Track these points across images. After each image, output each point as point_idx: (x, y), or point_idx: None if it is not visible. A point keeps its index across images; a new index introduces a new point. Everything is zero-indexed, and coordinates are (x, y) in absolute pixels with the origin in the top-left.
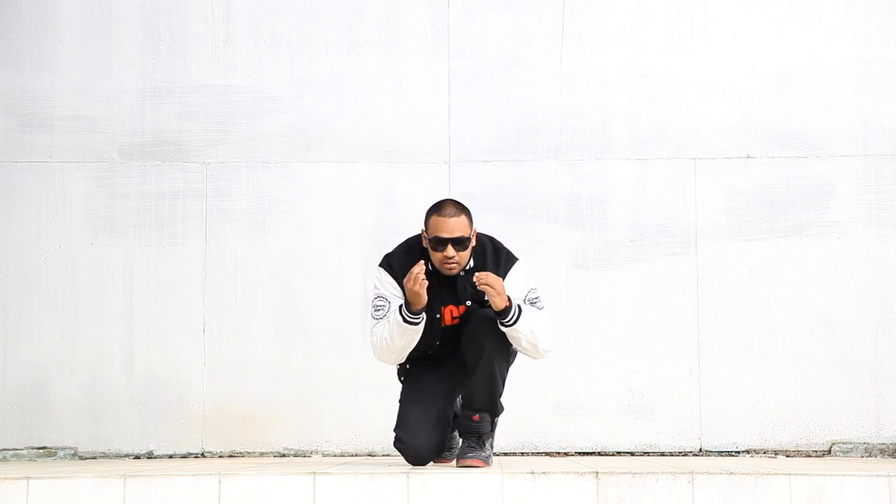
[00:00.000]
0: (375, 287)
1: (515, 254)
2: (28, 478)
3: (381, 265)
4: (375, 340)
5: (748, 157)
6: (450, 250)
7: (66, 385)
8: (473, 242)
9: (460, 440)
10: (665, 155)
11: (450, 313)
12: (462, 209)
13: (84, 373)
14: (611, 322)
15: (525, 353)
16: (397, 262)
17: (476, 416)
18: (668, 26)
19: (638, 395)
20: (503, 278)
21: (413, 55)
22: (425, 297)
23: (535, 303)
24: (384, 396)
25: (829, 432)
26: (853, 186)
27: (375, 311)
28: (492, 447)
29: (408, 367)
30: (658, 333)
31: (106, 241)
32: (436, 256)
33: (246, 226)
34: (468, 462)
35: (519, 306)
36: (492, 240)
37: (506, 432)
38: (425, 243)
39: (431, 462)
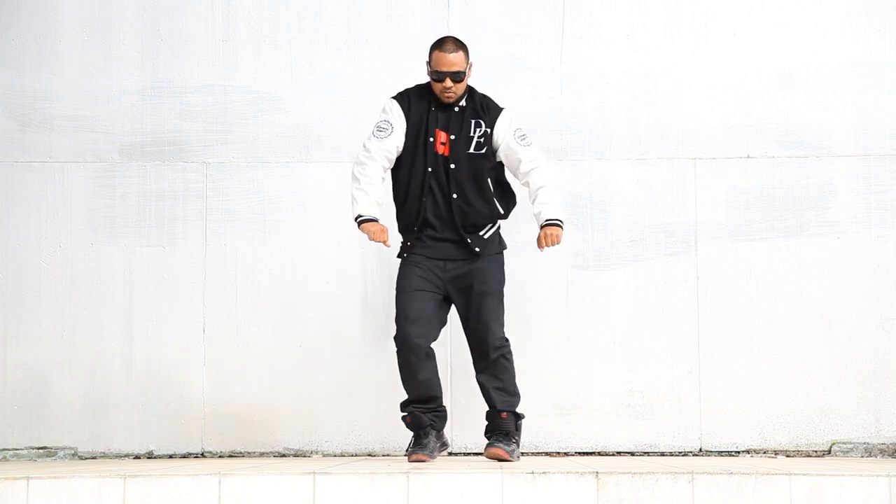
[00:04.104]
0: (384, 111)
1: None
2: (28, 478)
3: (394, 97)
4: (359, 160)
5: (748, 157)
6: (447, 82)
7: (66, 385)
8: (470, 75)
9: (441, 443)
10: (665, 155)
11: (440, 136)
12: (461, 46)
13: (84, 373)
14: (611, 322)
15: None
16: (410, 96)
17: (504, 414)
18: (668, 26)
19: (638, 395)
20: (495, 122)
21: (413, 55)
22: (374, 236)
23: (522, 140)
24: (384, 396)
25: (829, 432)
26: (853, 186)
27: (379, 130)
28: (518, 446)
29: (408, 243)
30: (658, 333)
31: (106, 241)
32: (436, 87)
33: (246, 226)
34: (496, 451)
35: (559, 219)
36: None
37: None
38: (428, 76)
39: (428, 456)
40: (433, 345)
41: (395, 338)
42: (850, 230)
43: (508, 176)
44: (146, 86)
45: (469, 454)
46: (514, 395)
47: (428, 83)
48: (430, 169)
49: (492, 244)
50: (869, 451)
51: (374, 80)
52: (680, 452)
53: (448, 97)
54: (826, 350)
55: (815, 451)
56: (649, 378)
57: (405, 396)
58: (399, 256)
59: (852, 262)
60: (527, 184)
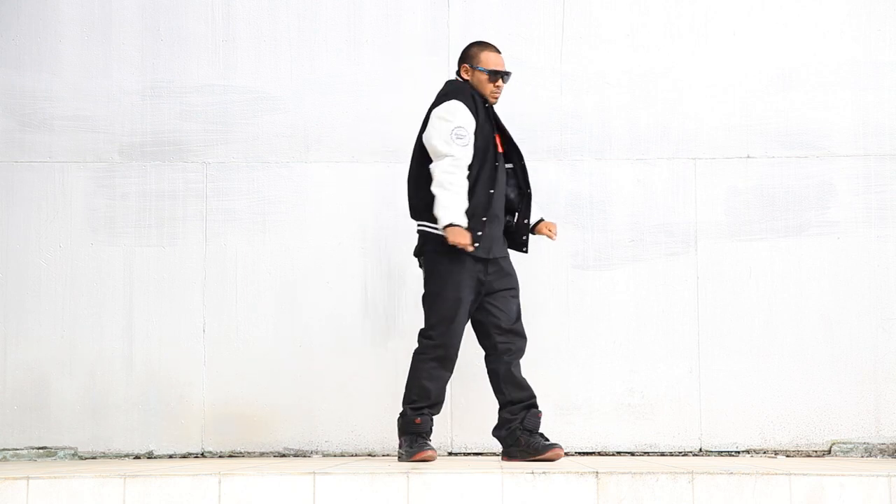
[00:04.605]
0: (454, 114)
1: None
2: (28, 478)
3: (459, 100)
4: (447, 168)
5: (748, 157)
6: (501, 82)
7: (66, 385)
8: None
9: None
10: (665, 155)
11: (497, 139)
12: None
13: (84, 373)
14: (611, 322)
15: None
16: (474, 97)
17: (539, 413)
18: (668, 26)
19: (638, 395)
20: None
21: (413, 55)
22: (462, 239)
23: None
24: (384, 396)
25: (829, 432)
26: (853, 186)
27: (458, 137)
28: None
29: (479, 233)
30: (658, 333)
31: (106, 241)
32: (487, 87)
33: (246, 226)
34: (560, 452)
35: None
36: None
37: None
38: (468, 75)
39: (429, 456)
40: None
41: (436, 344)
42: (850, 230)
43: None
44: (146, 86)
45: (469, 454)
46: None
47: (464, 87)
48: (496, 164)
49: None
50: (869, 451)
51: (374, 80)
52: (680, 452)
53: (497, 97)
54: (826, 350)
55: (815, 451)
56: (649, 378)
57: (409, 398)
58: (438, 263)
59: (852, 262)
60: None
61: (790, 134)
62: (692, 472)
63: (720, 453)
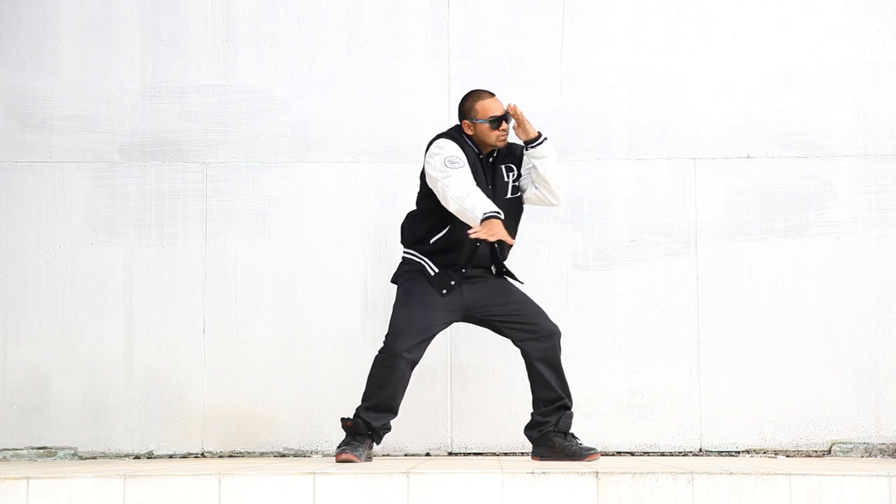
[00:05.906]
0: (439, 151)
1: None
2: (28, 478)
3: (444, 137)
4: (447, 184)
5: (748, 157)
6: (505, 124)
7: (66, 385)
8: None
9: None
10: (665, 155)
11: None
12: None
13: (84, 373)
14: (611, 322)
15: (547, 196)
16: (460, 142)
17: (571, 415)
18: (668, 26)
19: (638, 395)
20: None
21: (413, 55)
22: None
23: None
24: None
25: (829, 432)
26: (853, 186)
27: (451, 163)
28: None
29: (452, 283)
30: (658, 333)
31: (106, 241)
32: (492, 135)
33: (246, 226)
34: (596, 455)
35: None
36: None
37: (506, 432)
38: (471, 130)
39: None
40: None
41: (385, 354)
42: (850, 230)
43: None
44: (146, 86)
45: (469, 454)
46: None
47: (457, 134)
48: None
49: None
50: (869, 451)
51: (374, 80)
52: (680, 452)
53: (504, 139)
54: (826, 350)
55: (815, 451)
56: (649, 378)
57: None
58: (407, 277)
59: (852, 262)
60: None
61: (790, 134)
62: (692, 472)
63: (720, 453)
